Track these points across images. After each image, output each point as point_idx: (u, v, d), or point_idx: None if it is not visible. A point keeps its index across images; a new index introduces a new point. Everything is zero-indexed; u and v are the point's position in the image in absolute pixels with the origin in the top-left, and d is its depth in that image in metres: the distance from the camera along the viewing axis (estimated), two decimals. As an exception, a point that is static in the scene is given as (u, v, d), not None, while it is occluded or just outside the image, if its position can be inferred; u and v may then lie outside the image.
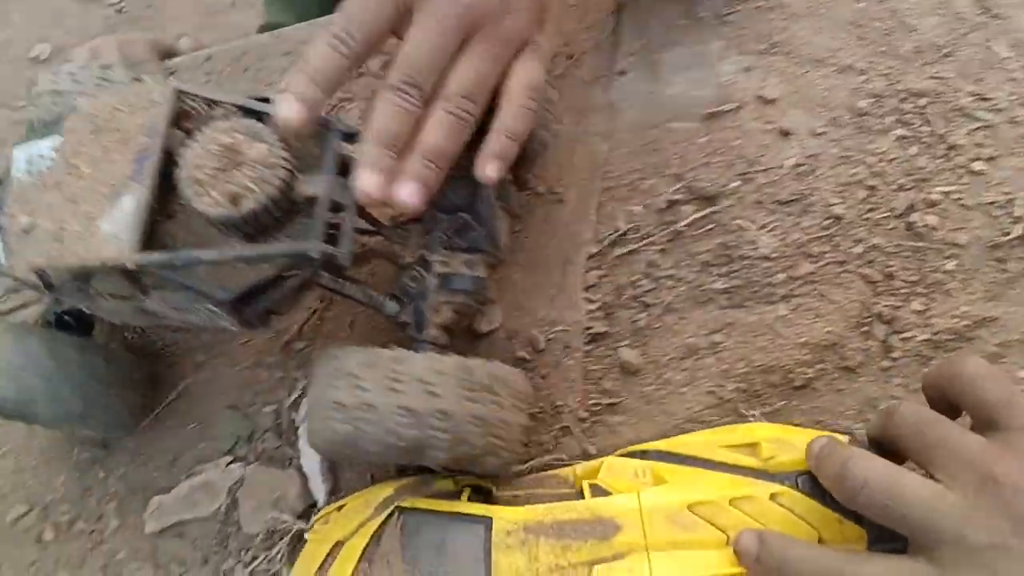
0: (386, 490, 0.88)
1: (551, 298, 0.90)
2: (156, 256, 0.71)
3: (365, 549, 0.86)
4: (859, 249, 0.80)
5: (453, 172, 0.81)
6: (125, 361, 0.99)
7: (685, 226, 0.84)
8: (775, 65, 0.89)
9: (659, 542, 0.83)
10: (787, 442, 0.89)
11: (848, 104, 0.86)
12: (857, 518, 0.82)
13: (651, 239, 0.85)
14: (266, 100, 0.74)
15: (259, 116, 0.74)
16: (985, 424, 0.57)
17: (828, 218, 0.81)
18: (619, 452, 0.93)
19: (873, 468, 0.60)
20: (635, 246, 0.86)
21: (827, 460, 0.66)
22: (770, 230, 0.82)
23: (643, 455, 0.92)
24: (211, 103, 0.76)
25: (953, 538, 0.53)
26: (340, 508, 0.91)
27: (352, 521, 0.88)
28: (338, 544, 0.89)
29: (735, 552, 0.70)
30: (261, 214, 0.73)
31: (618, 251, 0.87)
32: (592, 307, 0.87)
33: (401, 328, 0.85)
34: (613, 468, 0.91)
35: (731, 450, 0.91)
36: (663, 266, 0.85)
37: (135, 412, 1.00)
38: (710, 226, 0.85)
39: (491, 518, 0.83)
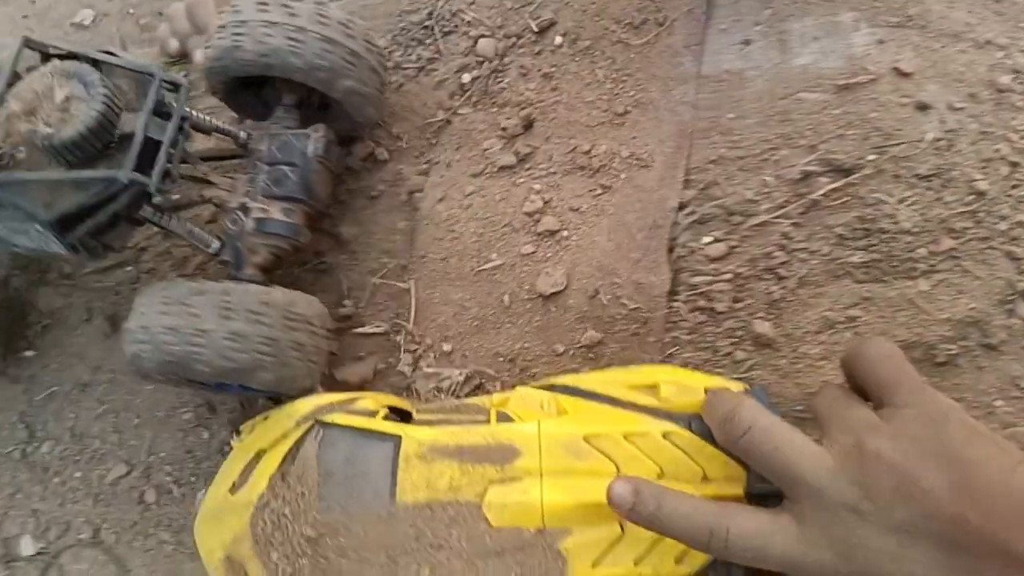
0: (307, 405, 0.94)
1: (636, 261, 0.90)
2: (-17, 175, 0.80)
3: (284, 458, 0.92)
4: (1003, 226, 0.79)
5: (276, 129, 0.98)
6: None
7: (821, 196, 0.83)
8: (909, 38, 0.87)
9: (554, 468, 0.88)
10: (686, 386, 0.94)
11: (988, 79, 0.84)
12: (742, 460, 0.87)
13: (784, 211, 0.84)
14: (109, 53, 0.87)
15: (95, 63, 0.86)
16: (877, 402, 0.60)
17: (971, 194, 0.80)
18: (531, 384, 0.96)
19: (759, 417, 0.62)
20: (767, 217, 0.84)
21: (717, 402, 0.70)
22: (910, 204, 0.81)
23: (551, 388, 0.96)
24: (58, 53, 0.88)
25: (815, 494, 0.56)
26: (265, 419, 0.97)
27: (274, 431, 0.95)
28: (260, 452, 0.95)
29: (608, 499, 0.72)
30: (81, 143, 0.84)
31: (750, 222, 0.86)
32: (724, 278, 0.86)
33: (223, 266, 0.96)
34: (522, 398, 0.97)
35: (632, 389, 0.95)
36: (797, 238, 0.84)
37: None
38: (845, 198, 0.83)
39: (400, 436, 0.89)
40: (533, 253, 0.97)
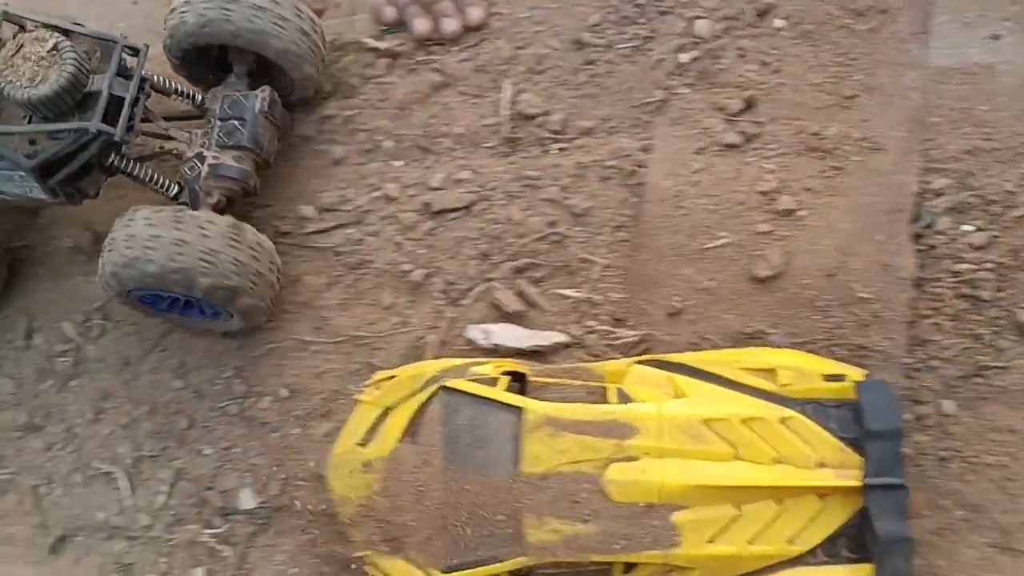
0: (431, 368, 1.02)
1: (879, 244, 0.94)
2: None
3: (411, 418, 1.01)
4: None
5: (227, 91, 1.22)
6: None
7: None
8: None
9: (672, 450, 0.99)
10: (804, 371, 1.03)
11: None
12: (858, 448, 0.94)
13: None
14: (78, 24, 1.14)
15: (66, 33, 1.13)
16: None
17: None
18: (643, 359, 1.05)
19: None
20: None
21: None
22: None
23: (666, 365, 1.06)
24: (33, 23, 1.14)
25: None
26: (390, 378, 1.05)
27: (401, 391, 1.05)
28: (388, 410, 1.04)
29: None
30: (56, 99, 1.11)
31: (1011, 213, 0.89)
32: (987, 266, 0.90)
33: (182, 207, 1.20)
34: (639, 375, 1.07)
35: (750, 373, 1.05)
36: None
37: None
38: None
39: (523, 408, 0.98)
40: (770, 232, 1.01)
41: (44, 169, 1.19)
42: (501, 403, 1.01)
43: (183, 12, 1.20)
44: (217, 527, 1.17)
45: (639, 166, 1.18)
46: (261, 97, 1.24)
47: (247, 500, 1.17)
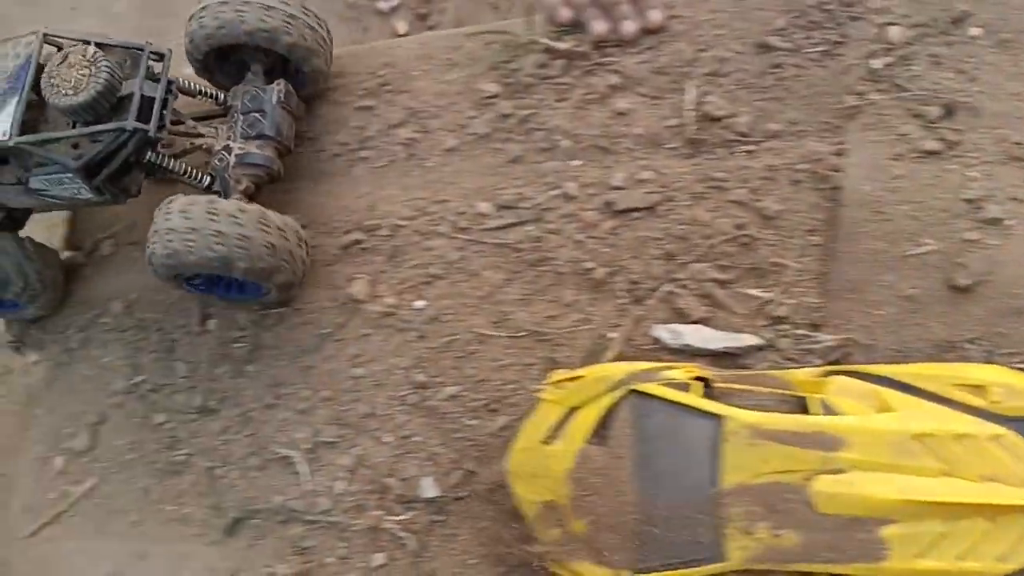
0: (619, 371, 1.01)
1: None
2: (26, 137, 1.28)
3: (599, 420, 1.00)
4: None
5: (246, 87, 1.35)
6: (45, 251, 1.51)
7: None
8: None
9: (880, 464, 0.96)
10: (1015, 389, 0.98)
11: None
12: None
13: None
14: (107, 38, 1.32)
15: (100, 45, 1.29)
16: None
17: None
18: (843, 370, 1.02)
19: None
20: None
21: None
22: None
23: (867, 377, 1.02)
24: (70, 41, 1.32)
25: None
26: (574, 378, 1.04)
27: (587, 392, 1.03)
28: (573, 409, 1.03)
29: None
30: (94, 104, 1.27)
31: None
32: None
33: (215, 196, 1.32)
34: (842, 387, 1.04)
35: (959, 388, 1.01)
36: None
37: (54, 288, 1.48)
38: None
39: (723, 416, 0.96)
40: (976, 240, 0.99)
41: (89, 170, 1.34)
42: (696, 409, 1.01)
43: (201, 18, 1.36)
44: (399, 514, 1.19)
45: (833, 170, 1.17)
46: (277, 90, 1.37)
47: (428, 489, 1.18)
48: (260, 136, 1.35)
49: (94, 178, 1.32)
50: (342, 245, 1.33)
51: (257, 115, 1.36)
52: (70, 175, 1.30)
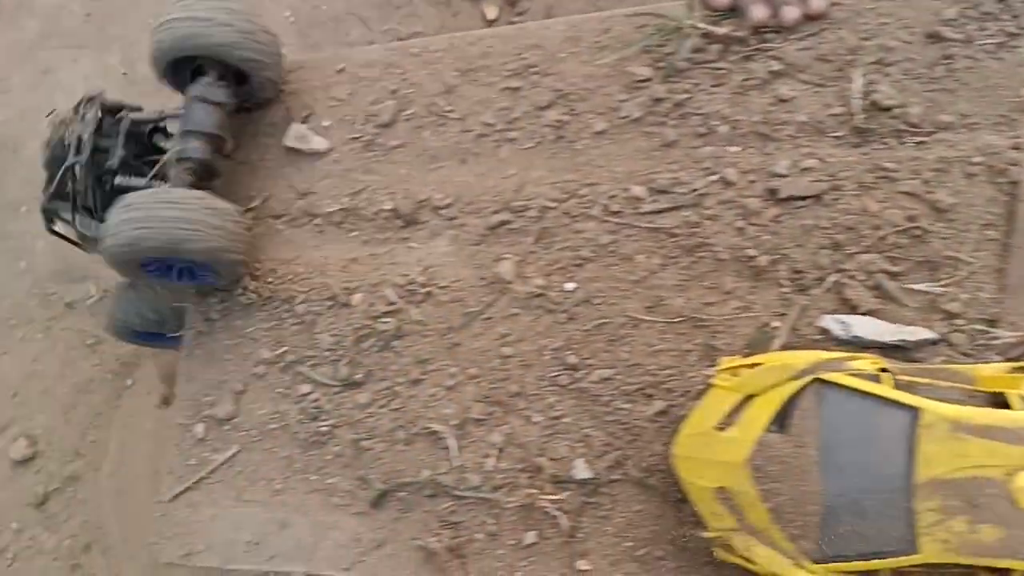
0: (802, 360, 0.98)
1: None
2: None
3: (780, 408, 0.97)
4: None
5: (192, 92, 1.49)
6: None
7: None
8: None
9: None
10: None
11: None
12: None
13: None
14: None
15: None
16: None
17: None
18: None
19: None
20: None
21: None
22: None
23: None
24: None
25: None
26: (752, 366, 1.02)
27: (766, 379, 1.00)
28: (749, 397, 1.00)
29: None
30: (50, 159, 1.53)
31: None
32: None
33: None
34: None
35: None
36: None
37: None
38: None
39: (919, 409, 0.92)
40: None
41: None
42: (888, 400, 0.99)
43: (159, 32, 1.46)
44: (551, 494, 1.19)
45: (1011, 164, 1.15)
46: (197, 87, 1.49)
47: (581, 470, 1.18)
48: (186, 132, 1.46)
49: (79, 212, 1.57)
50: (489, 225, 1.34)
51: (197, 113, 1.49)
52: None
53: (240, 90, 1.53)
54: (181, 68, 1.49)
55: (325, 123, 1.60)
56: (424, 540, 1.25)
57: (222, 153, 1.51)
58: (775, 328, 1.18)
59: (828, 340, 1.15)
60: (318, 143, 1.57)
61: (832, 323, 1.13)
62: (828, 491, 0.97)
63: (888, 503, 0.96)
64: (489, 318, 1.36)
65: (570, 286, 1.32)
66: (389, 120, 1.54)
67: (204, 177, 1.48)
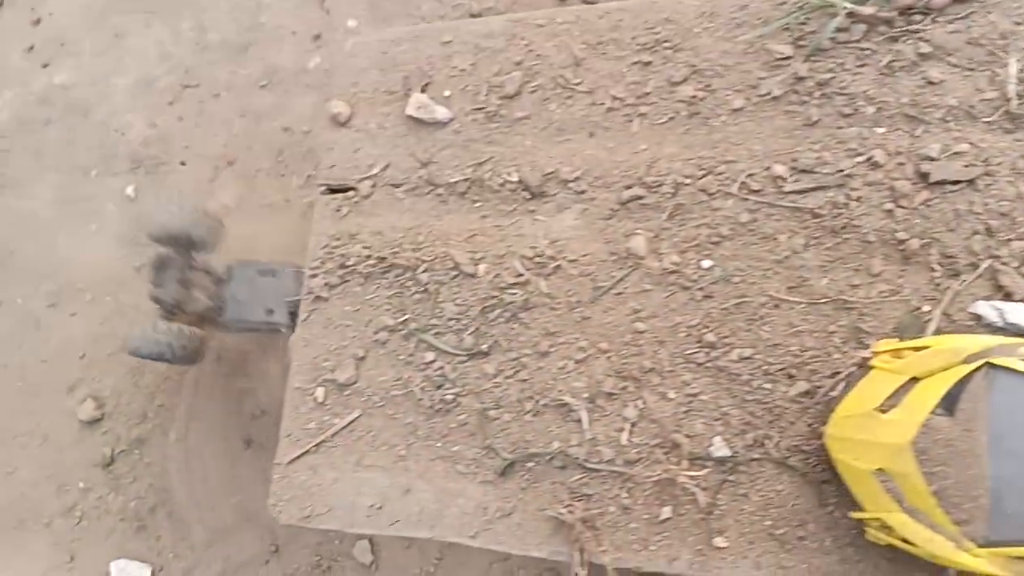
0: (972, 343, 0.97)
1: None
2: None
3: (948, 391, 0.96)
4: None
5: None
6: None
7: None
8: None
9: None
10: None
11: None
12: None
13: None
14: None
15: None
16: None
17: None
18: None
19: None
20: None
21: None
22: None
23: None
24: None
25: None
26: (918, 349, 1.00)
27: (933, 363, 0.98)
28: (913, 380, 0.98)
29: None
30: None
31: None
32: None
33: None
34: None
35: None
36: None
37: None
38: None
39: None
40: None
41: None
42: None
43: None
44: (688, 470, 1.19)
45: None
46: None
47: (720, 448, 1.18)
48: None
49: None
50: (620, 200, 1.33)
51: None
52: None
53: None
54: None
55: (446, 93, 1.59)
56: (555, 510, 1.25)
57: None
58: (926, 313, 1.17)
59: (981, 326, 1.14)
60: (441, 113, 1.57)
61: (987, 309, 1.12)
62: (997, 476, 0.97)
63: None
64: (620, 293, 1.36)
65: (707, 264, 1.31)
66: (514, 91, 1.54)
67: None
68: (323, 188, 1.61)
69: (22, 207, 3.25)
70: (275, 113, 3.16)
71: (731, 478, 1.21)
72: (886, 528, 1.03)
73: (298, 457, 1.45)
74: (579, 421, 1.29)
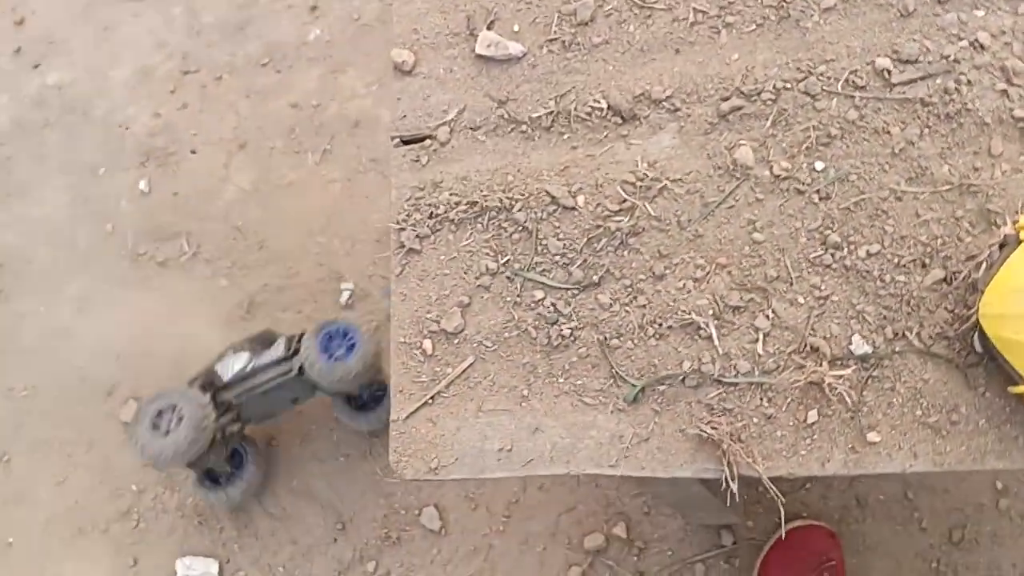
0: None
1: None
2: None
3: None
4: None
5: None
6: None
7: None
8: None
9: None
10: None
11: None
12: None
13: None
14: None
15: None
16: None
17: None
18: None
19: None
20: None
21: None
22: None
23: None
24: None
25: None
26: None
27: None
28: None
29: None
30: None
31: None
32: None
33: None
34: None
35: None
36: None
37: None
38: None
39: None
40: None
41: None
42: None
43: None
44: (830, 371, 1.18)
45: None
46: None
47: (860, 346, 1.17)
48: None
49: None
50: (720, 113, 1.31)
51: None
52: None
53: None
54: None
55: (515, 28, 1.55)
56: (698, 428, 1.24)
57: None
58: (1053, 186, 1.17)
59: (1115, 193, 1.13)
60: (514, 48, 1.53)
61: (1120, 175, 1.11)
62: None
63: None
64: (732, 206, 1.34)
65: (820, 165, 1.30)
66: (588, 17, 1.50)
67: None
68: (396, 140, 1.57)
69: (33, 214, 3.16)
70: (281, 90, 3.09)
71: (875, 374, 1.20)
72: None
73: (415, 411, 1.43)
74: (709, 338, 1.27)
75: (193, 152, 3.04)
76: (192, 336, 2.92)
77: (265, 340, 2.18)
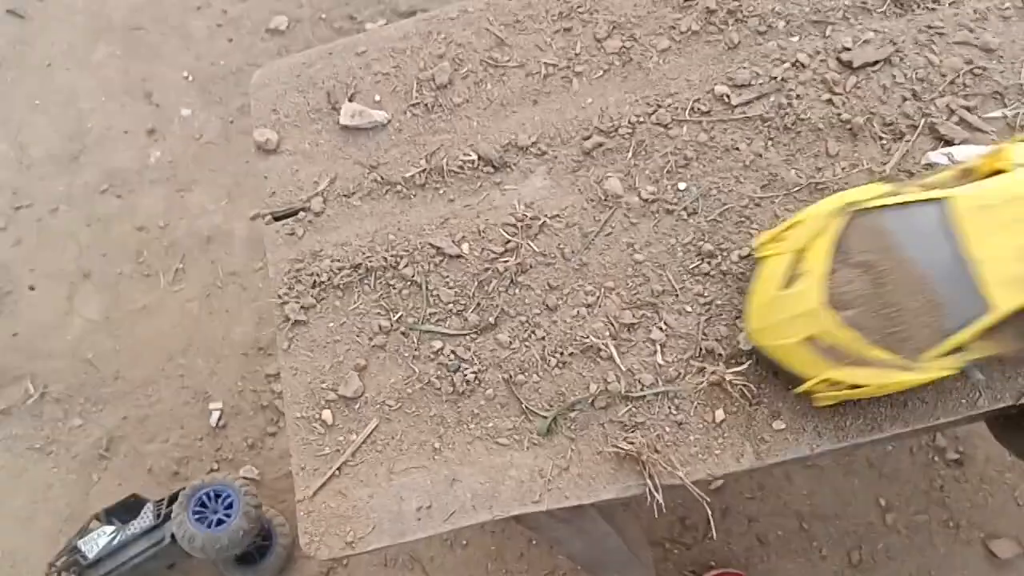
0: (834, 202, 1.13)
1: None
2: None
3: (831, 247, 1.09)
4: None
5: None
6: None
7: None
8: None
9: None
10: None
11: None
12: None
13: None
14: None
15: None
16: None
17: None
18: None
19: None
20: None
21: None
22: None
23: None
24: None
25: None
26: (788, 228, 1.15)
27: (807, 233, 1.14)
28: (799, 252, 1.13)
29: None
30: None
31: None
32: None
33: None
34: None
35: None
36: None
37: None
38: None
39: (944, 199, 1.08)
40: None
41: None
42: (917, 202, 1.08)
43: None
44: (728, 368, 1.25)
45: (1033, 4, 1.35)
46: None
47: (746, 342, 1.25)
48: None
49: None
50: (584, 151, 1.39)
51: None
52: None
53: None
54: None
55: (376, 97, 1.60)
56: (615, 448, 1.25)
57: None
58: (886, 173, 1.31)
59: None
60: (378, 115, 1.57)
61: (938, 157, 1.27)
62: (899, 297, 1.05)
63: (955, 283, 1.04)
64: (610, 233, 1.40)
65: (683, 185, 1.40)
66: (446, 80, 1.57)
67: None
68: (268, 218, 1.55)
69: None
70: (124, 215, 2.99)
71: (760, 368, 1.27)
72: (834, 384, 1.09)
73: (321, 486, 1.36)
74: (610, 358, 1.30)
75: (32, 288, 2.85)
76: (49, 486, 2.65)
77: (131, 508, 1.96)
